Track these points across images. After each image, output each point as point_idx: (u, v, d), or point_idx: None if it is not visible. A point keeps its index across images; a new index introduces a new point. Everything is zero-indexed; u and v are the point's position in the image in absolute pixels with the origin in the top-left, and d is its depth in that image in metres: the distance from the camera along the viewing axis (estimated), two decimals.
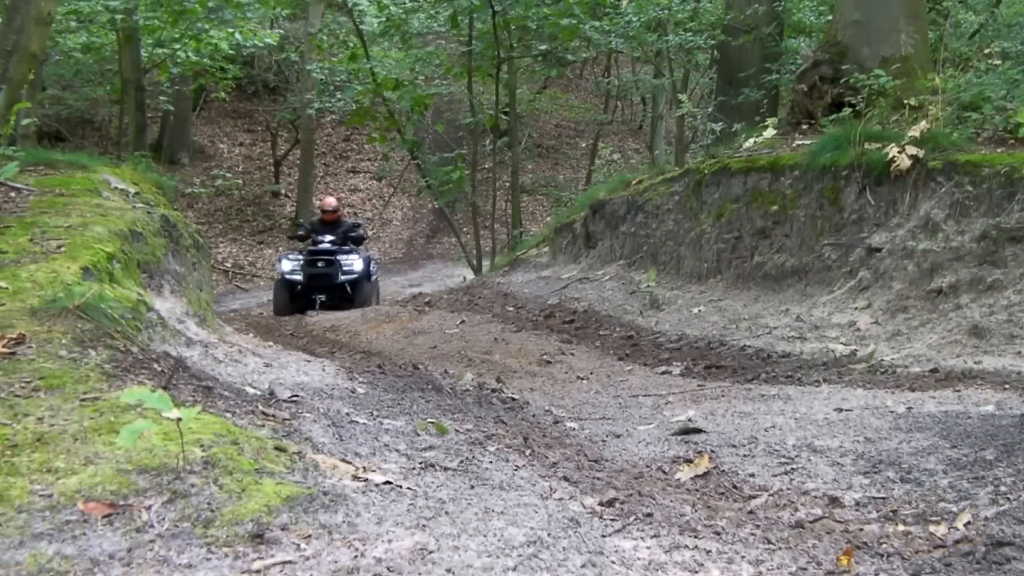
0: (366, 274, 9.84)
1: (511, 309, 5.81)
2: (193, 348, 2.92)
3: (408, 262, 14.71)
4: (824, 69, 5.50)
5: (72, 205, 3.40)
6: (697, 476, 2.30)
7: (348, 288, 9.60)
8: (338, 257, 9.68)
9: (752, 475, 2.31)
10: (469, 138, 12.36)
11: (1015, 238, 3.77)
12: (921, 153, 4.28)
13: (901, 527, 1.90)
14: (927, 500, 2.04)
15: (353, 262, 9.70)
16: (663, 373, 4.02)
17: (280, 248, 13.93)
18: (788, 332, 4.33)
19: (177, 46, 10.59)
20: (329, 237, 9.85)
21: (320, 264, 9.60)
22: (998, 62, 5.44)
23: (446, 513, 1.66)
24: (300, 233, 10.31)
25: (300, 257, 9.79)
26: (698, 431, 2.77)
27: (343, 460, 1.93)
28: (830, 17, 7.05)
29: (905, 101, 4.77)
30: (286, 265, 9.81)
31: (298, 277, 9.62)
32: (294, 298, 9.59)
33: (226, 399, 2.31)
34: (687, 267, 5.59)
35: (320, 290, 9.57)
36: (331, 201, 10.51)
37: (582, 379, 3.91)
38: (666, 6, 9.35)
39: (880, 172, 4.43)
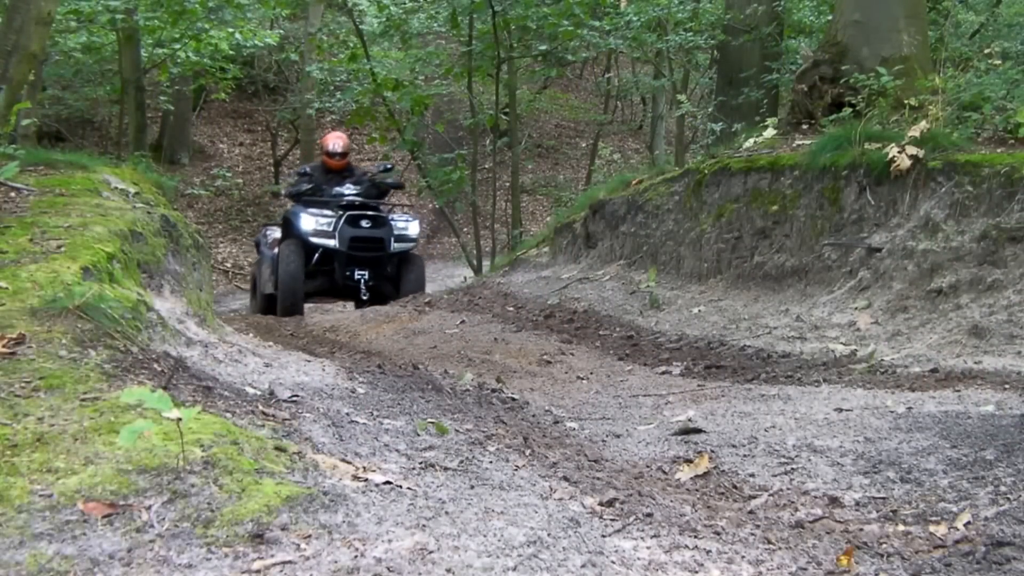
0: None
1: (511, 309, 5.81)
2: (193, 348, 2.92)
3: None
4: (824, 69, 5.50)
5: (72, 205, 3.40)
6: (697, 476, 2.30)
7: (392, 266, 6.88)
8: (390, 216, 7.01)
9: (752, 475, 2.31)
10: (469, 138, 12.35)
11: (1015, 238, 3.77)
12: (921, 153, 4.29)
13: (901, 527, 1.90)
14: (927, 500, 2.04)
15: (408, 225, 7.06)
16: (663, 373, 4.02)
17: None
18: (788, 332, 4.33)
19: (177, 46, 10.60)
20: (351, 189, 7.01)
21: (365, 224, 6.75)
22: (998, 62, 5.45)
23: (446, 513, 1.66)
24: (305, 187, 7.13)
25: (330, 213, 6.77)
26: (698, 431, 2.77)
27: (343, 460, 1.93)
28: (830, 17, 7.06)
29: (905, 101, 4.78)
30: (308, 222, 6.68)
31: (332, 242, 6.66)
32: (319, 272, 6.69)
33: (226, 399, 2.31)
34: (687, 267, 5.59)
35: (366, 264, 6.75)
36: (338, 141, 7.33)
37: (582, 379, 3.91)
38: (666, 6, 9.36)
39: (880, 172, 4.44)
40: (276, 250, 7.17)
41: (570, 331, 5.09)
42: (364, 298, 6.95)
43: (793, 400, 3.15)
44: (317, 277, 6.94)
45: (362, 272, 6.86)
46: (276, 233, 7.55)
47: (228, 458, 1.65)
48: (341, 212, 6.88)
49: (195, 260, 4.00)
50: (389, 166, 8.14)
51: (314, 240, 6.83)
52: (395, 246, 6.98)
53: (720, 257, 5.33)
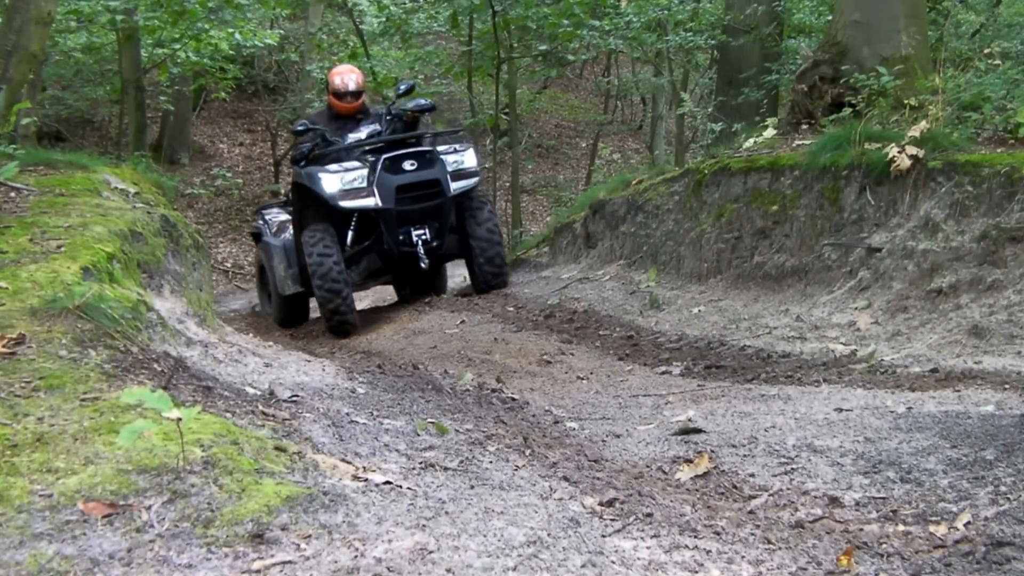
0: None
1: (511, 309, 5.80)
2: (193, 348, 2.92)
3: None
4: (824, 69, 5.50)
5: (72, 205, 3.40)
6: (697, 476, 2.30)
7: (453, 215, 5.39)
8: (437, 149, 5.45)
9: (752, 475, 2.31)
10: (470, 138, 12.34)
11: (1015, 238, 3.76)
12: (921, 153, 4.28)
13: (901, 527, 1.89)
14: (927, 500, 2.04)
15: (462, 154, 5.50)
16: (663, 373, 4.01)
17: None
18: (788, 332, 4.32)
19: (177, 46, 10.60)
20: (370, 130, 5.45)
21: (409, 165, 5.22)
22: (998, 62, 5.44)
23: (446, 513, 1.66)
24: (307, 147, 5.41)
25: (356, 163, 5.23)
26: (698, 431, 2.77)
27: (343, 460, 1.93)
28: (830, 17, 7.06)
29: (905, 101, 4.77)
30: (331, 182, 5.12)
31: (371, 201, 5.10)
32: (361, 252, 5.27)
33: (226, 399, 2.31)
34: (687, 267, 5.58)
35: (424, 219, 5.21)
36: (349, 76, 5.71)
37: (582, 379, 3.91)
38: (666, 6, 9.36)
39: (880, 172, 4.43)
40: (286, 235, 5.86)
41: (570, 331, 5.08)
42: (424, 264, 5.29)
43: (793, 400, 3.15)
44: (361, 259, 5.36)
45: (420, 231, 5.18)
46: (280, 215, 6.18)
47: (228, 458, 1.65)
48: (373, 159, 5.23)
49: (195, 260, 4.00)
50: (411, 84, 6.09)
51: (345, 204, 5.12)
52: (456, 185, 5.33)
53: (720, 257, 5.32)
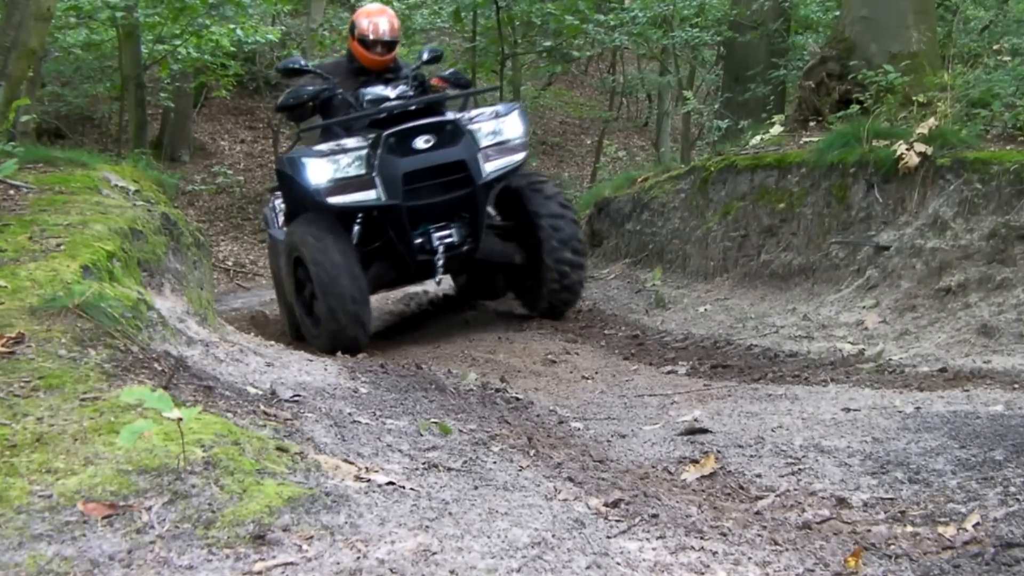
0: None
1: (515, 308, 5.78)
2: (194, 347, 2.90)
3: None
4: (831, 65, 5.48)
5: (72, 203, 3.39)
6: (703, 477, 2.28)
7: (496, 207, 4.28)
8: (468, 117, 4.18)
9: (759, 476, 2.29)
10: None
11: None
12: (929, 150, 4.26)
13: (909, 528, 1.88)
14: (935, 501, 2.02)
15: (502, 122, 4.16)
16: (669, 373, 3.99)
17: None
18: (795, 331, 4.30)
19: (178, 43, 10.60)
20: (389, 90, 4.21)
21: (424, 141, 3.97)
22: (1007, 58, 5.41)
23: (449, 514, 1.65)
24: (305, 93, 4.21)
25: (354, 142, 4.00)
26: (704, 431, 2.75)
27: (345, 460, 1.91)
28: (837, 13, 7.03)
29: (913, 98, 4.74)
30: (318, 171, 3.90)
31: (370, 195, 3.91)
32: (373, 252, 4.09)
33: (227, 399, 2.29)
34: (693, 265, 5.56)
35: (444, 214, 4.05)
36: (382, 18, 4.36)
37: (587, 379, 3.89)
38: (671, 2, 9.33)
39: (888, 169, 4.41)
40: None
41: (575, 330, 5.06)
42: (438, 279, 4.20)
43: (800, 400, 3.13)
44: (371, 263, 4.12)
45: (444, 232, 3.99)
46: None
47: (229, 458, 1.63)
48: (375, 134, 3.93)
49: (196, 258, 3.98)
50: (438, 52, 4.72)
51: (335, 201, 3.87)
52: (490, 167, 4.01)
53: (726, 255, 5.30)
